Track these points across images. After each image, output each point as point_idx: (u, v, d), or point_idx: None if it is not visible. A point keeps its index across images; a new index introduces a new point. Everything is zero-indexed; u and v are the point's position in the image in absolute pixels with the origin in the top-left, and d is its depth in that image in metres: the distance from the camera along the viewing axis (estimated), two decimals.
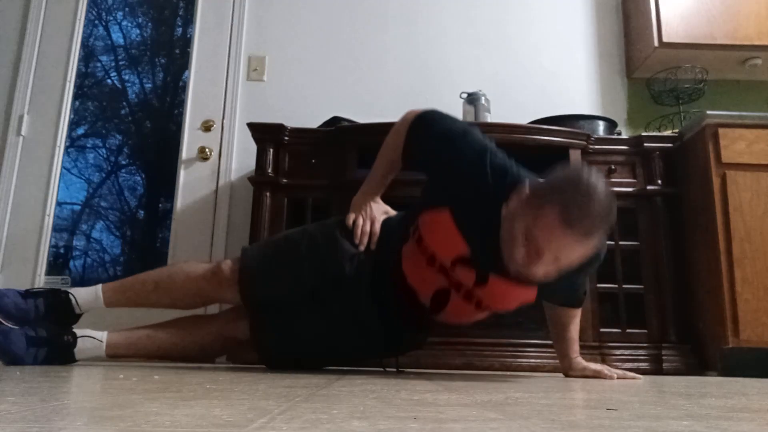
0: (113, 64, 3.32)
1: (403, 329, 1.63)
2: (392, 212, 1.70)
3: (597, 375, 1.61)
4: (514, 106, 2.73)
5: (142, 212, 3.24)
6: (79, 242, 3.08)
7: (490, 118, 2.54)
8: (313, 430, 0.50)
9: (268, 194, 2.36)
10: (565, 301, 1.65)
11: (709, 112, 2.26)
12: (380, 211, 1.67)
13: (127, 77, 3.34)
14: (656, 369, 2.19)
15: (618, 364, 2.11)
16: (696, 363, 2.21)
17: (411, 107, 1.64)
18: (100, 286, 1.64)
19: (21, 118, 2.89)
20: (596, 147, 2.40)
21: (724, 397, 0.99)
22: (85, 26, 3.10)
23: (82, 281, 2.96)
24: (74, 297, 1.60)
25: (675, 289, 2.29)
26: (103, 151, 3.21)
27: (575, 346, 1.67)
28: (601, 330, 2.25)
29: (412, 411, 0.65)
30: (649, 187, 2.36)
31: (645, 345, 2.24)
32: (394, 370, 1.73)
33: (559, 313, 1.68)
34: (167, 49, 3.35)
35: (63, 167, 2.92)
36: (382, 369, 1.73)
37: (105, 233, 3.18)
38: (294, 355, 1.62)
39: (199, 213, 2.77)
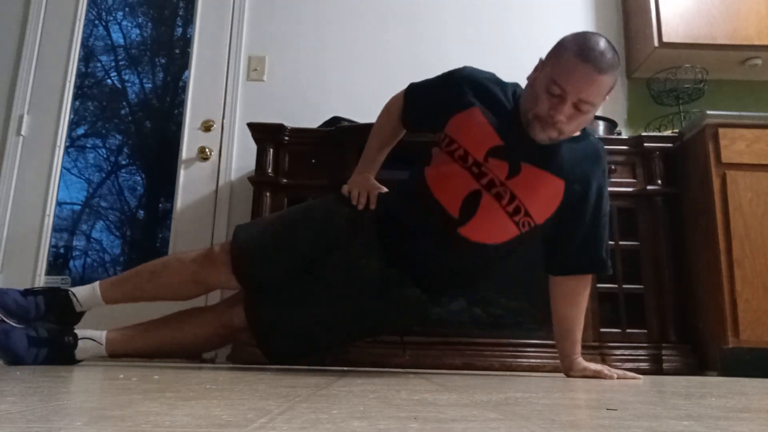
0: (113, 64, 3.32)
1: (409, 286, 1.58)
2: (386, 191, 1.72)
3: (597, 375, 1.60)
4: None
5: (142, 212, 3.24)
6: (79, 242, 3.08)
7: None
8: (313, 430, 0.50)
9: (268, 194, 2.36)
10: (580, 259, 1.60)
11: (709, 112, 2.26)
12: (376, 186, 1.70)
13: (127, 77, 3.34)
14: (656, 369, 2.19)
15: (618, 364, 2.11)
16: (696, 363, 2.21)
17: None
18: (97, 283, 1.63)
19: (21, 118, 2.89)
20: None
21: (724, 397, 0.99)
22: (85, 26, 3.10)
23: (82, 281, 2.95)
24: (74, 295, 1.60)
25: (675, 289, 2.29)
26: (103, 151, 3.21)
27: (577, 347, 1.66)
28: (601, 330, 2.25)
29: (412, 411, 0.65)
30: (649, 187, 2.36)
31: (645, 345, 2.24)
32: (399, 340, 1.72)
33: (567, 293, 1.63)
34: (167, 49, 3.36)
35: (63, 167, 2.92)
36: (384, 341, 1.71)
37: (105, 233, 3.18)
38: (292, 338, 1.58)
39: (199, 213, 2.77)
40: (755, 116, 2.27)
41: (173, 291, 1.64)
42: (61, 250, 3.01)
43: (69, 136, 2.99)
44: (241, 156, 2.81)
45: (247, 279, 1.59)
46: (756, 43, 2.64)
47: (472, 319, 2.26)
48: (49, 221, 2.82)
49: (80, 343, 1.55)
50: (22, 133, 2.88)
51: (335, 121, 2.50)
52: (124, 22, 3.37)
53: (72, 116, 3.01)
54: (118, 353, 1.60)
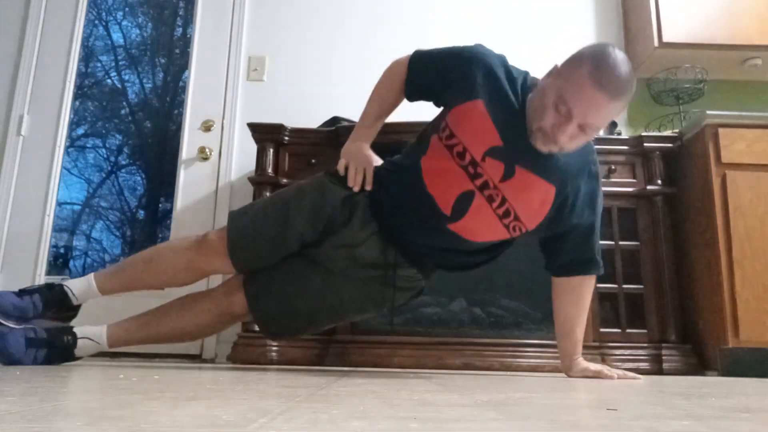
0: (113, 64, 3.32)
1: (407, 267, 1.59)
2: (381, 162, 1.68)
3: (597, 375, 1.60)
4: None
5: (142, 212, 3.24)
6: (79, 242, 3.08)
7: None
8: (313, 430, 0.50)
9: (268, 194, 2.36)
10: (572, 261, 1.61)
11: (709, 112, 2.26)
12: (372, 157, 1.65)
13: (127, 77, 3.34)
14: (656, 369, 2.19)
15: (618, 364, 2.11)
16: (696, 363, 2.21)
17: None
18: (91, 275, 1.62)
19: (21, 118, 2.89)
20: (596, 147, 2.39)
21: (724, 397, 0.99)
22: (85, 26, 3.10)
23: None
24: (69, 288, 1.60)
25: (675, 289, 2.29)
26: (103, 151, 3.21)
27: (579, 347, 1.66)
28: (601, 330, 2.25)
29: (412, 411, 0.65)
30: (649, 187, 2.36)
31: (645, 345, 2.24)
32: (390, 317, 1.72)
33: (568, 292, 1.63)
34: (167, 49, 3.36)
35: (63, 167, 2.92)
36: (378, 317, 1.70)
37: (105, 233, 3.19)
38: (295, 320, 1.59)
39: (199, 213, 2.77)
40: (755, 116, 2.27)
41: (168, 279, 1.63)
42: (61, 250, 3.01)
43: (69, 136, 2.99)
44: (241, 156, 2.81)
45: (243, 265, 1.59)
46: (756, 43, 2.64)
47: (472, 319, 2.26)
48: (49, 221, 2.82)
49: (79, 342, 1.54)
50: (22, 133, 2.88)
51: (335, 121, 2.50)
52: (124, 22, 3.37)
53: (72, 116, 3.01)
54: (120, 346, 1.60)
